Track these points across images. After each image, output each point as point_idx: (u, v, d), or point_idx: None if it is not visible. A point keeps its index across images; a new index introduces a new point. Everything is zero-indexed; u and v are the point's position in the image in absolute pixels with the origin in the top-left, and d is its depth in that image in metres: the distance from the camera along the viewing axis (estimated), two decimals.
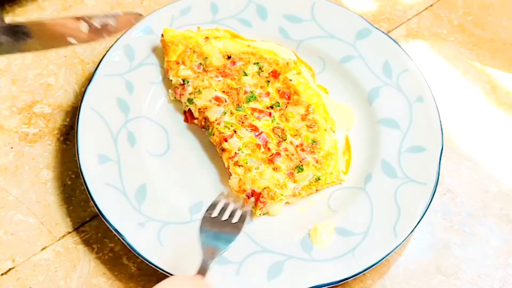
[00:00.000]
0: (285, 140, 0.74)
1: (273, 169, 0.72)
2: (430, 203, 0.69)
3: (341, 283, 0.65)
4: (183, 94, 0.77)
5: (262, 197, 0.69)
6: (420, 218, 0.68)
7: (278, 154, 0.72)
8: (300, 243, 0.68)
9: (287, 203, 0.71)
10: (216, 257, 0.60)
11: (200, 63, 0.78)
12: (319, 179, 0.72)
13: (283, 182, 0.71)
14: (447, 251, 0.71)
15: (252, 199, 0.69)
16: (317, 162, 0.73)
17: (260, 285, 0.65)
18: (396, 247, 0.67)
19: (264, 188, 0.70)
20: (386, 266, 0.69)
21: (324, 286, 0.64)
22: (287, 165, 0.72)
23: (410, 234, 0.68)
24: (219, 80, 0.77)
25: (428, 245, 0.71)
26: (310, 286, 0.64)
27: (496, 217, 0.73)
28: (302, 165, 0.72)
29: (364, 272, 0.66)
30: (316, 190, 0.72)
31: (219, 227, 0.64)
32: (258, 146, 0.72)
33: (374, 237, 0.68)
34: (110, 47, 0.78)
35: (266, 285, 0.65)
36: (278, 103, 0.76)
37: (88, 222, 0.71)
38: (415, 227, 0.68)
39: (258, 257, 0.67)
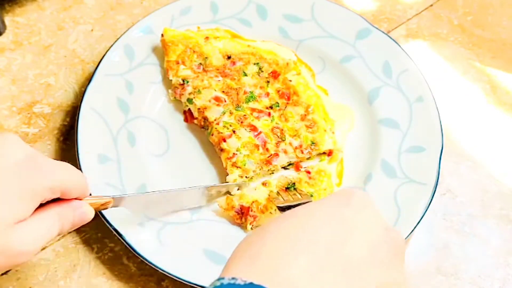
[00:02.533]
0: (284, 141, 0.73)
1: (262, 184, 0.71)
2: (430, 203, 0.69)
3: None
4: (182, 94, 0.77)
5: (251, 210, 0.69)
6: (420, 218, 0.68)
7: (276, 155, 0.72)
8: None
9: None
10: None
11: (200, 63, 0.78)
12: (311, 196, 0.71)
13: (273, 196, 0.70)
14: (447, 251, 0.71)
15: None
16: (310, 179, 0.72)
17: None
18: None
19: (253, 201, 0.69)
20: None
21: None
22: (278, 181, 0.72)
23: (410, 234, 0.68)
24: (219, 80, 0.77)
25: (428, 245, 0.71)
26: None
27: (496, 217, 0.73)
28: (294, 183, 0.72)
29: None
30: None
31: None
32: (257, 146, 0.72)
33: None
34: (110, 47, 0.78)
35: None
36: (278, 103, 0.76)
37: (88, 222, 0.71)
38: (415, 227, 0.68)
39: None
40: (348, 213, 0.47)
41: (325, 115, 0.76)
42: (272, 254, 0.42)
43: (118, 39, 0.79)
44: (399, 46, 0.81)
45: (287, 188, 0.71)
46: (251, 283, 0.39)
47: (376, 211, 0.49)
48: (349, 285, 0.43)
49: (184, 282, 0.64)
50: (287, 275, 0.41)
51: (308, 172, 0.73)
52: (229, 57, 0.79)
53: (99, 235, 0.70)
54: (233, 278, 0.40)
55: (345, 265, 0.44)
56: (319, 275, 0.42)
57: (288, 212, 0.48)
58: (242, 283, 0.39)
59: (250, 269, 0.41)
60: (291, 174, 0.73)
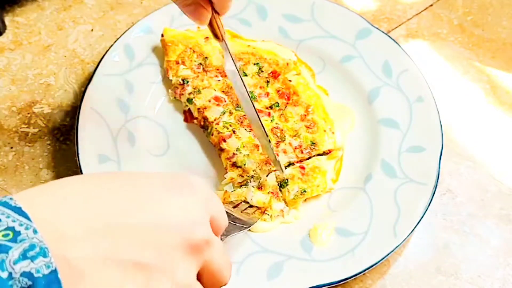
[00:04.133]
0: (284, 141, 0.73)
1: (258, 187, 0.71)
2: (430, 203, 0.69)
3: (341, 283, 0.65)
4: (182, 94, 0.77)
5: None
6: (420, 218, 0.68)
7: (276, 155, 0.72)
8: (300, 243, 0.68)
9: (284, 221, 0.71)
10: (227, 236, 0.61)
11: (200, 63, 0.78)
12: (305, 191, 0.71)
13: (268, 202, 0.70)
14: (447, 251, 0.71)
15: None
16: (303, 175, 0.72)
17: (260, 285, 0.65)
18: (396, 247, 0.67)
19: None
20: (386, 266, 0.69)
21: (324, 286, 0.64)
22: (272, 182, 0.72)
23: (410, 234, 0.68)
24: (219, 80, 0.77)
25: (428, 245, 0.71)
26: (310, 286, 0.64)
27: (496, 217, 0.73)
28: (286, 180, 0.71)
29: (364, 272, 0.66)
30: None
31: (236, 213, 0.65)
32: (257, 146, 0.72)
33: (374, 237, 0.68)
34: (110, 47, 0.78)
35: (266, 285, 0.65)
36: (278, 103, 0.76)
37: None
38: (415, 227, 0.68)
39: (258, 257, 0.67)
40: (158, 195, 0.43)
41: (325, 115, 0.76)
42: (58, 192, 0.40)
43: (118, 39, 0.79)
44: (399, 46, 0.81)
45: (280, 186, 0.71)
46: (19, 208, 0.37)
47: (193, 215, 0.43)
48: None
49: None
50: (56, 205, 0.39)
51: (303, 168, 0.72)
52: None
53: None
54: (10, 198, 0.38)
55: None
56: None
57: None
58: (13, 204, 0.37)
59: (31, 198, 0.39)
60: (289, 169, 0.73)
